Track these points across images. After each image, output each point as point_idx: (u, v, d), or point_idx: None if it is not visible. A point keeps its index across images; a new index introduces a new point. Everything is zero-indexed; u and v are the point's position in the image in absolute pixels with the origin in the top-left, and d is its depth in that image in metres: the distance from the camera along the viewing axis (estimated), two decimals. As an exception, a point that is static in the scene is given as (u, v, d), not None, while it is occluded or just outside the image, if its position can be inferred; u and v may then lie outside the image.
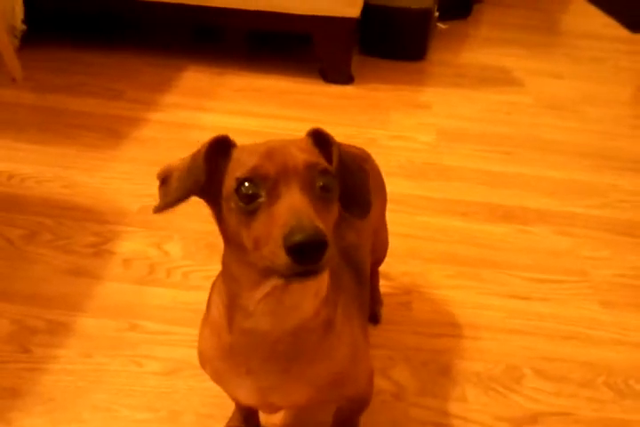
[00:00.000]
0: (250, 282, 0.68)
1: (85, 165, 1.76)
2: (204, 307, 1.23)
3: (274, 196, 0.61)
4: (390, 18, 2.60)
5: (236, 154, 0.66)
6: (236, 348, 0.75)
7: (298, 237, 0.56)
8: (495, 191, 1.81)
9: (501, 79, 2.62)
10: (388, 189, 1.18)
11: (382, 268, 1.28)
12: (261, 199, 0.61)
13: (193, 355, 1.18)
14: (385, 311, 1.33)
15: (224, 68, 2.45)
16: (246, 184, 0.62)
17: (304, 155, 0.64)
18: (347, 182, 0.69)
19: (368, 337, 0.94)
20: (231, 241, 0.68)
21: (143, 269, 1.40)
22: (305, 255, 0.57)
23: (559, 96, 2.53)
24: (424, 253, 1.53)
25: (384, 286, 1.37)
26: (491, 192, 1.81)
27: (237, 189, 0.63)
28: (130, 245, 1.47)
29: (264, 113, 2.14)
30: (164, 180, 0.71)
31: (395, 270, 1.44)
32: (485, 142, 2.09)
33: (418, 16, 2.62)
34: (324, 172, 0.64)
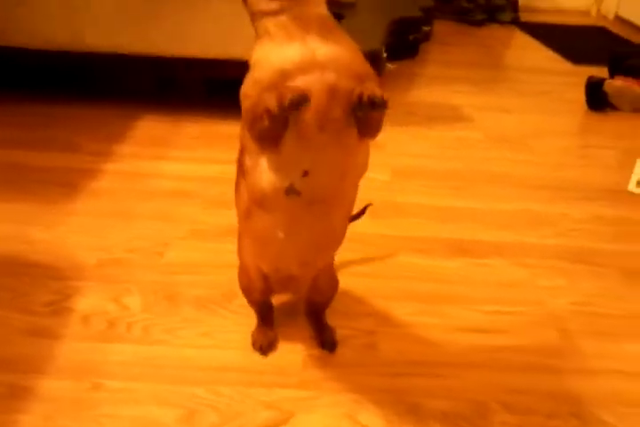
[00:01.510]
0: None
1: (43, 221, 1.75)
2: (165, 362, 1.22)
3: None
4: (339, 61, 2.66)
5: None
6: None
7: None
8: (449, 226, 1.85)
9: (450, 116, 2.70)
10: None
11: (342, 308, 1.29)
12: None
13: (155, 412, 1.17)
14: (349, 354, 1.33)
15: (180, 115, 2.47)
16: None
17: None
18: None
19: None
20: None
21: (102, 324, 1.39)
22: None
23: (508, 130, 2.61)
24: (383, 291, 1.55)
25: (345, 327, 1.37)
26: (445, 227, 1.84)
27: None
28: (88, 300, 1.45)
29: (222, 159, 2.12)
30: None
31: (355, 311, 1.45)
32: (438, 178, 2.14)
33: (366, 58, 2.68)
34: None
